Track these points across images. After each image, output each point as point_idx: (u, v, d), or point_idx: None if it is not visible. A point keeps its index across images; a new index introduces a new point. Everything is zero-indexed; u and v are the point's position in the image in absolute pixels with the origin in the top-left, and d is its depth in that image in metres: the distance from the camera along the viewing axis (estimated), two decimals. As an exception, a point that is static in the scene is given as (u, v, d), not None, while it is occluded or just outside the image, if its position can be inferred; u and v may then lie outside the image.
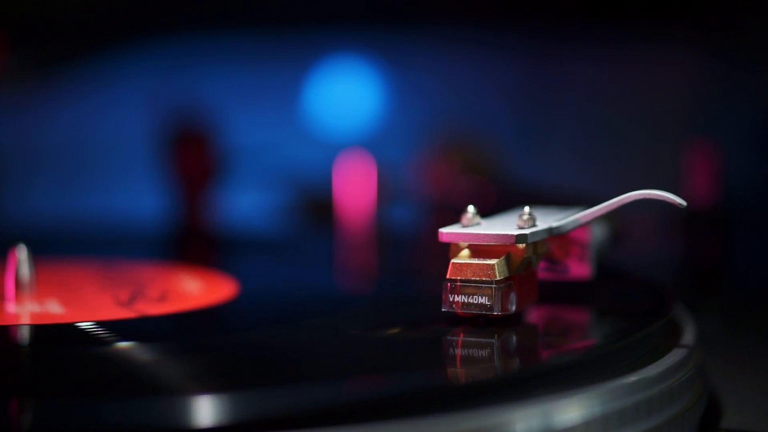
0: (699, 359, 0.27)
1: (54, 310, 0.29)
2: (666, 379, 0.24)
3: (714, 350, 0.30)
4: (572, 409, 0.22)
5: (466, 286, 0.25)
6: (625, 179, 0.56)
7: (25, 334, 0.27)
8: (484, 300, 0.25)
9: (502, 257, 0.26)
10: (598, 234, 0.30)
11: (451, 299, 0.26)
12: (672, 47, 0.58)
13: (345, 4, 0.61)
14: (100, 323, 0.27)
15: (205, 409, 0.20)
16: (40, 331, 0.27)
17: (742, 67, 0.56)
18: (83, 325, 0.27)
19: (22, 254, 0.31)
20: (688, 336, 0.27)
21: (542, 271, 0.28)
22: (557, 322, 0.28)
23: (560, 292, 0.29)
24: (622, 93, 0.59)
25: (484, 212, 0.28)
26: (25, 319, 0.29)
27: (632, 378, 0.23)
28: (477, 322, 0.26)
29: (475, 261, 0.26)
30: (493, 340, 0.25)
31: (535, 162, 0.59)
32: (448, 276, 0.26)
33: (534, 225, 0.26)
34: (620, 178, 0.57)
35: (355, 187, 0.54)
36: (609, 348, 0.25)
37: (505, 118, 0.60)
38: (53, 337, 0.27)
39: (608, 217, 0.28)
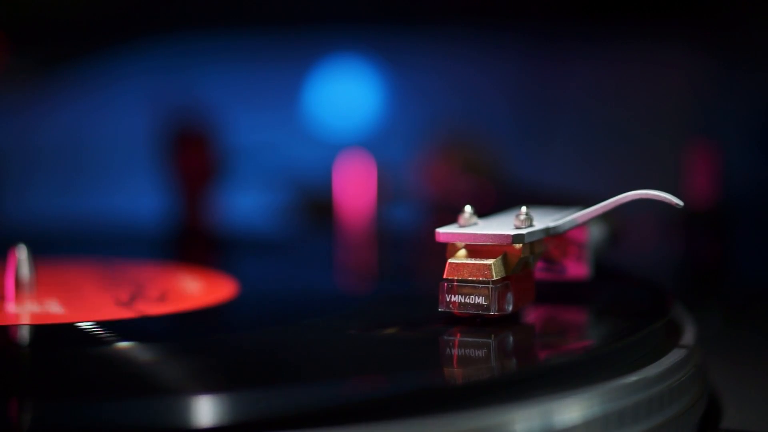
0: (699, 359, 0.27)
1: (54, 310, 0.29)
2: (666, 379, 0.24)
3: (714, 350, 0.30)
4: (572, 409, 0.22)
5: (463, 286, 0.26)
6: (625, 179, 0.56)
7: (25, 334, 0.27)
8: (481, 300, 0.25)
9: (499, 257, 0.26)
10: (596, 234, 0.30)
11: (448, 299, 0.26)
12: (672, 47, 0.58)
13: (345, 4, 0.61)
14: (100, 323, 0.27)
15: (205, 409, 0.20)
16: (40, 331, 0.27)
17: (742, 67, 0.56)
18: (83, 325, 0.27)
19: (22, 254, 0.31)
20: (688, 336, 0.27)
21: (540, 272, 0.28)
22: (555, 322, 0.28)
23: (558, 293, 0.29)
24: (622, 93, 0.59)
25: (484, 212, 0.28)
26: (25, 319, 0.29)
27: (632, 378, 0.23)
28: (474, 322, 0.26)
29: (472, 261, 0.26)
30: (490, 340, 0.25)
31: (535, 162, 0.59)
32: (445, 276, 0.26)
33: (531, 225, 0.26)
34: (620, 178, 0.57)
35: (355, 187, 0.54)
36: (609, 348, 0.25)
37: (505, 118, 0.60)
38: (53, 337, 0.27)
39: (606, 217, 0.28)
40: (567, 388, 0.22)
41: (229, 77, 0.62)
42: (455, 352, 0.25)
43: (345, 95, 0.62)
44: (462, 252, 0.26)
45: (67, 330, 0.27)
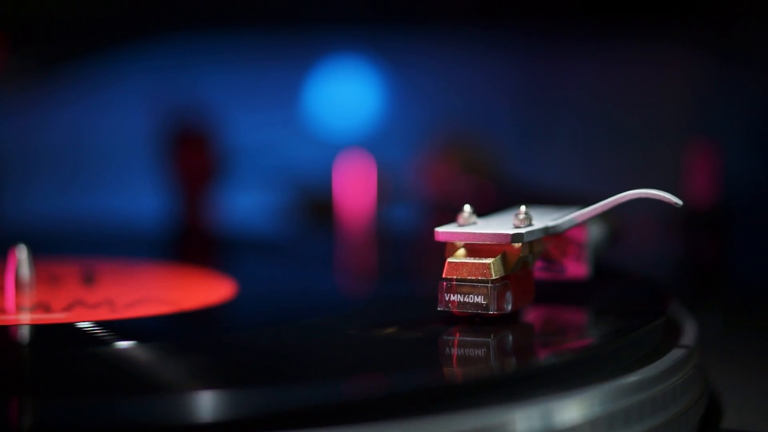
0: (699, 359, 0.27)
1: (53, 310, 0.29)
2: (666, 379, 0.24)
3: (714, 350, 0.30)
4: (572, 409, 0.22)
5: (462, 285, 0.25)
6: (625, 179, 0.56)
7: (25, 334, 0.27)
8: (480, 299, 0.25)
9: (498, 256, 0.26)
10: (595, 233, 0.30)
11: (447, 298, 0.26)
12: (672, 47, 0.58)
13: (345, 4, 0.61)
14: (100, 323, 0.27)
15: (205, 408, 0.20)
16: (40, 331, 0.27)
17: (742, 67, 0.56)
18: (83, 325, 0.27)
19: (22, 254, 0.31)
20: (688, 336, 0.27)
21: (539, 271, 0.28)
22: (554, 321, 0.28)
23: (557, 292, 0.29)
24: (622, 93, 0.59)
25: (484, 212, 0.28)
26: (25, 319, 0.29)
27: (632, 378, 0.23)
28: (473, 321, 0.26)
29: (471, 260, 0.25)
30: (489, 340, 0.25)
31: (535, 162, 0.59)
32: (444, 275, 0.26)
33: (530, 224, 0.26)
34: (620, 178, 0.57)
35: (355, 187, 0.54)
36: (608, 348, 0.25)
37: (505, 118, 0.60)
38: (53, 337, 0.27)
39: (606, 216, 0.28)
40: (567, 387, 0.22)
41: (229, 77, 0.62)
42: (455, 351, 0.25)
43: (345, 95, 0.62)
44: (461, 251, 0.26)
45: (67, 330, 0.27)
